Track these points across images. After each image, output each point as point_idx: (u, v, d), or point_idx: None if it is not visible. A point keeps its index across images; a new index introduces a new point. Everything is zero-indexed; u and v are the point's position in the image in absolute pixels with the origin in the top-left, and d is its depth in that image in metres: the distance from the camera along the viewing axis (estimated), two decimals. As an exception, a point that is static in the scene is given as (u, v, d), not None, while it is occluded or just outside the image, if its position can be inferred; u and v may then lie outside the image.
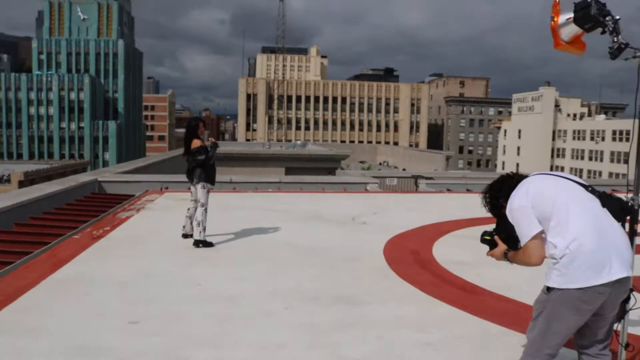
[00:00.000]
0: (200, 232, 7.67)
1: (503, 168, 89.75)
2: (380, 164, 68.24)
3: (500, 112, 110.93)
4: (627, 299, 3.54)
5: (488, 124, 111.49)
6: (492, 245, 3.32)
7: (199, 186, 7.82)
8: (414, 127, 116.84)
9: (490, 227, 3.42)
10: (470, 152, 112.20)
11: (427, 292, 5.82)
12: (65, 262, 6.76)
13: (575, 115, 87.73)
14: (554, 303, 2.95)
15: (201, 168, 7.80)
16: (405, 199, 14.30)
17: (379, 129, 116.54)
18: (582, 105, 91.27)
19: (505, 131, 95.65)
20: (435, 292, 5.83)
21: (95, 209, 11.35)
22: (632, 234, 3.61)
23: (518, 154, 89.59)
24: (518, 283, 5.91)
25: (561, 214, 2.94)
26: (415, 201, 13.99)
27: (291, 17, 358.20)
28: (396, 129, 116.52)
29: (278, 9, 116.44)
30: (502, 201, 3.17)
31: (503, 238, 3.25)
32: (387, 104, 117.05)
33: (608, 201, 3.10)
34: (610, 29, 3.39)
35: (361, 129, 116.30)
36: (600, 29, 3.43)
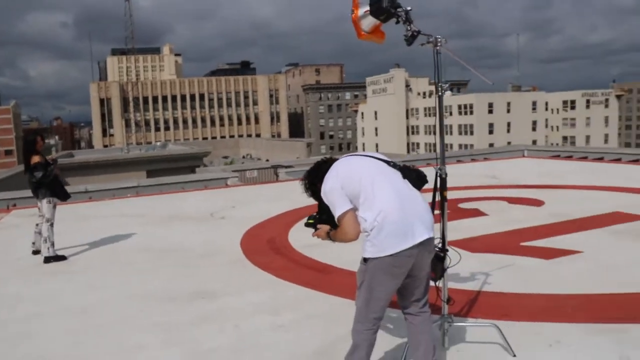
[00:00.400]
0: (48, 247, 7.40)
1: (364, 149, 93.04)
2: (243, 157, 68.29)
3: (356, 96, 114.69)
4: (443, 258, 3.99)
5: (346, 109, 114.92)
6: (315, 227, 3.54)
7: (44, 201, 7.51)
8: (274, 118, 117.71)
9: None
10: (331, 137, 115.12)
11: (281, 277, 6.08)
12: None
13: (425, 93, 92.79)
14: (371, 271, 3.23)
15: (44, 184, 7.50)
16: (265, 190, 14.55)
17: (240, 123, 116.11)
18: (430, 84, 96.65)
19: (362, 114, 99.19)
20: (289, 275, 6.11)
21: None
22: (442, 201, 4.07)
23: (376, 134, 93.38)
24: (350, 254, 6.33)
25: (367, 190, 3.21)
26: (274, 191, 14.28)
27: (139, 16, 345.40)
28: (257, 121, 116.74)
29: (124, 9, 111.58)
30: (319, 185, 3.40)
31: (324, 219, 3.47)
32: (246, 97, 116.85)
33: (407, 173, 3.42)
34: (403, 19, 3.78)
35: (222, 124, 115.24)
36: (394, 20, 3.81)
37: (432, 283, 3.96)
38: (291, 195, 13.01)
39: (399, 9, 3.85)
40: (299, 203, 10.83)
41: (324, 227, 3.46)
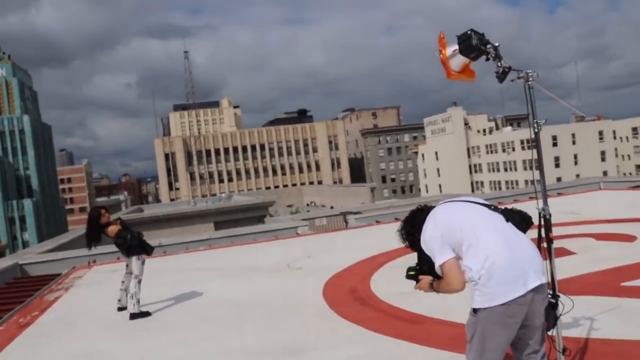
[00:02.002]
0: (134, 304, 7.47)
1: (427, 191, 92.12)
2: (308, 204, 68.66)
3: (415, 137, 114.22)
4: (556, 305, 3.74)
5: (406, 151, 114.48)
6: (417, 279, 3.40)
7: (134, 258, 7.67)
8: (335, 164, 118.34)
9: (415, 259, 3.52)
10: (393, 180, 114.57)
11: (373, 329, 5.88)
12: (-6, 359, 6.40)
13: (484, 130, 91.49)
14: (482, 323, 3.05)
15: (131, 244, 7.68)
16: (337, 237, 14.42)
17: (301, 171, 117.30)
18: (489, 120, 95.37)
19: (422, 155, 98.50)
20: (380, 327, 5.90)
21: (19, 295, 10.79)
22: (548, 242, 3.84)
23: (438, 175, 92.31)
24: (457, 305, 6.07)
25: (471, 237, 3.07)
26: (347, 238, 14.14)
27: (198, 72, 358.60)
28: (318, 168, 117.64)
29: (184, 66, 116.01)
30: (417, 235, 3.29)
31: (425, 270, 3.33)
32: (306, 145, 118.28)
33: (511, 215, 3.26)
34: (493, 55, 3.66)
35: (284, 173, 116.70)
36: (484, 57, 3.69)
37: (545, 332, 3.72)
38: (364, 242, 12.84)
39: (488, 46, 3.74)
40: (373, 250, 10.65)
41: (426, 279, 3.32)
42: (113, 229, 7.78)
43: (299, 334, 6.06)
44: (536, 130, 3.96)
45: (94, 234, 7.90)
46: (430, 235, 3.15)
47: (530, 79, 3.85)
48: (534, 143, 4.11)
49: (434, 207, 3.39)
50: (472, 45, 3.71)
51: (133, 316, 7.45)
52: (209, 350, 5.81)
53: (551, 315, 3.72)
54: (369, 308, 6.79)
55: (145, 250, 7.80)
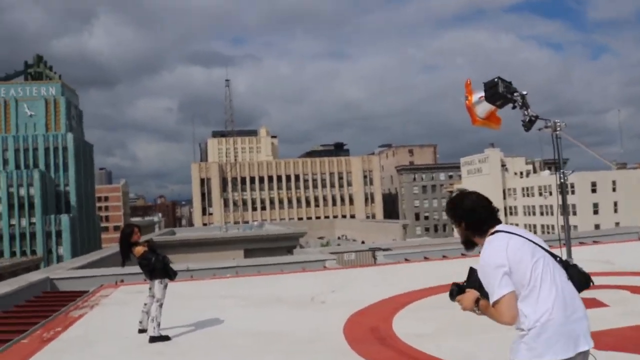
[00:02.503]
0: (154, 328, 7.51)
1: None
2: (339, 237, 68.43)
3: (450, 177, 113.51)
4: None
5: (440, 189, 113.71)
6: (461, 291, 3.17)
7: (157, 282, 7.74)
8: (368, 199, 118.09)
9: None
10: (426, 218, 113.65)
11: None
12: (14, 372, 6.49)
13: (521, 173, 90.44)
14: None
15: (155, 267, 7.76)
16: (364, 274, 14.30)
17: (334, 203, 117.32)
18: (527, 163, 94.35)
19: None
20: (397, 368, 5.80)
21: (46, 309, 10.95)
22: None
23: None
24: (476, 352, 5.95)
25: (536, 285, 2.91)
26: (374, 275, 14.01)
27: (238, 100, 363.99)
28: (351, 201, 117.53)
29: (225, 94, 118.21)
30: (463, 224, 3.20)
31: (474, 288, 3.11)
32: (341, 178, 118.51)
33: (573, 274, 3.13)
34: (520, 104, 3.64)
35: (317, 205, 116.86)
36: (510, 105, 3.68)
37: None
38: (391, 279, 12.71)
39: (515, 94, 3.74)
40: (399, 289, 10.53)
41: (472, 294, 3.06)
42: (139, 250, 7.87)
43: (315, 370, 5.99)
44: (562, 179, 3.91)
45: (124, 251, 8.00)
46: (497, 265, 2.93)
47: (558, 128, 3.83)
48: (560, 190, 4.05)
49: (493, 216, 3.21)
50: (499, 92, 3.70)
51: (152, 339, 7.48)
52: (224, 380, 5.78)
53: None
54: (389, 348, 6.68)
55: (169, 274, 7.86)
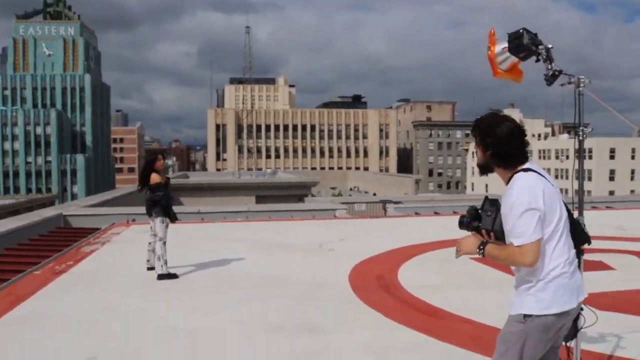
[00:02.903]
0: (162, 266, 7.62)
1: (472, 189, 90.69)
2: (350, 189, 68.57)
3: (467, 135, 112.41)
4: (577, 318, 3.62)
5: (456, 147, 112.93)
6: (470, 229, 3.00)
7: (158, 220, 7.80)
8: (383, 152, 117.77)
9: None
10: (440, 174, 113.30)
11: (392, 318, 5.84)
12: (24, 299, 6.63)
13: (540, 135, 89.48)
14: (531, 331, 2.78)
15: (159, 203, 7.79)
16: (373, 224, 14.36)
17: (348, 155, 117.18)
18: (546, 126, 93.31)
19: (473, 153, 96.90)
20: (400, 317, 5.85)
21: (59, 244, 11.17)
22: (578, 255, 3.71)
23: (488, 175, 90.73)
24: (482, 305, 5.98)
25: (554, 236, 2.79)
26: (383, 226, 14.07)
27: (257, 47, 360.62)
28: (366, 154, 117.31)
29: (244, 41, 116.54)
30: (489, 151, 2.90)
31: (482, 231, 2.95)
32: (356, 130, 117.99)
33: (576, 230, 3.04)
34: (544, 57, 3.51)
35: (331, 156, 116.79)
36: (534, 57, 3.56)
37: (563, 343, 3.62)
38: (400, 232, 12.76)
39: (540, 47, 3.61)
40: (407, 241, 10.57)
41: (476, 238, 2.87)
42: (155, 177, 7.91)
43: (318, 314, 6.07)
44: (581, 137, 3.82)
45: (144, 176, 8.03)
46: (533, 206, 2.70)
47: (582, 84, 3.72)
48: (578, 151, 3.95)
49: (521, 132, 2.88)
50: (523, 44, 3.57)
51: (161, 277, 7.61)
52: (228, 319, 5.88)
53: (571, 327, 3.61)
54: (392, 297, 6.74)
55: (169, 215, 7.90)
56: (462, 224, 3.01)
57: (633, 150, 72.42)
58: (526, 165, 2.86)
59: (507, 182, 2.87)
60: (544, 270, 2.76)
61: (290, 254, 9.79)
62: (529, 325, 2.76)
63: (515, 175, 2.82)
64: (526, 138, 2.89)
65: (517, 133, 2.85)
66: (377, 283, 7.47)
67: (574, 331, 3.62)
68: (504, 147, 2.84)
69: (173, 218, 8.02)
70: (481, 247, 2.81)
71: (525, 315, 2.76)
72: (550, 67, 3.58)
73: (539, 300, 2.76)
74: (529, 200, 2.70)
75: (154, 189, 7.84)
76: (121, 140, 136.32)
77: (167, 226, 7.85)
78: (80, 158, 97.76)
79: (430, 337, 5.23)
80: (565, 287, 2.80)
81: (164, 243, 7.71)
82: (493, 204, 2.93)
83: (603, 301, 6.33)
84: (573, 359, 3.68)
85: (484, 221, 2.93)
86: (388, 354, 4.80)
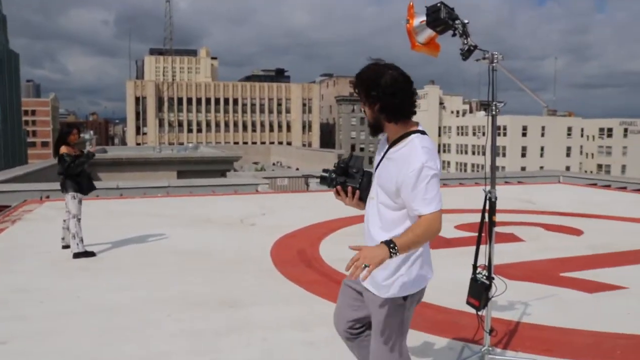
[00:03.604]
0: (77, 244, 7.34)
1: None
2: (274, 164, 68.42)
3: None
4: (489, 287, 3.79)
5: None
6: (330, 183, 2.86)
7: (69, 196, 7.47)
8: (306, 127, 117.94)
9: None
10: (362, 149, 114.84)
11: (313, 292, 5.91)
12: None
13: (458, 112, 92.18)
14: (407, 311, 2.74)
15: (70, 177, 7.43)
16: (295, 199, 14.42)
17: (271, 130, 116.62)
18: (464, 102, 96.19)
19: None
20: (320, 290, 5.93)
21: (-35, 223, 10.57)
22: (490, 225, 3.87)
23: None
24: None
25: None
26: (305, 200, 14.14)
27: (178, 17, 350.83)
28: (289, 129, 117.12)
29: (165, 10, 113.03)
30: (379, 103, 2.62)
31: (348, 188, 2.83)
32: (279, 105, 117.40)
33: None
34: (460, 32, 3.59)
35: (254, 130, 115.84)
36: (451, 32, 3.63)
37: (475, 312, 3.78)
38: (322, 206, 12.85)
39: (456, 21, 3.68)
40: (329, 215, 10.67)
41: (377, 246, 2.48)
42: (63, 149, 7.44)
43: (239, 288, 6.06)
44: (493, 112, 3.94)
45: (56, 150, 7.55)
46: (437, 171, 2.54)
47: (495, 60, 3.82)
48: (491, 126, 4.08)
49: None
50: (440, 18, 3.63)
51: (77, 255, 7.35)
52: (145, 297, 5.77)
53: (483, 296, 3.77)
54: (313, 271, 6.82)
55: (81, 188, 7.53)
56: (326, 180, 2.84)
57: (543, 128, 75.92)
58: (420, 127, 2.71)
59: (398, 140, 2.66)
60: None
61: (211, 229, 9.69)
62: (407, 305, 2.71)
63: (414, 136, 2.63)
64: (413, 86, 2.68)
65: (403, 80, 2.62)
66: (298, 257, 7.52)
67: (485, 301, 3.80)
68: (391, 99, 2.58)
69: (85, 190, 7.60)
70: (392, 246, 2.44)
71: (404, 297, 2.69)
72: (466, 42, 3.66)
73: (413, 279, 2.68)
74: (436, 165, 2.54)
75: (61, 160, 7.42)
76: (33, 112, 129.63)
77: (79, 202, 7.51)
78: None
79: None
80: (426, 260, 2.80)
81: (79, 220, 7.41)
82: (360, 162, 2.87)
83: (512, 271, 6.67)
84: (484, 326, 3.85)
85: (352, 179, 2.82)
86: (310, 328, 4.85)
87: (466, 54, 3.71)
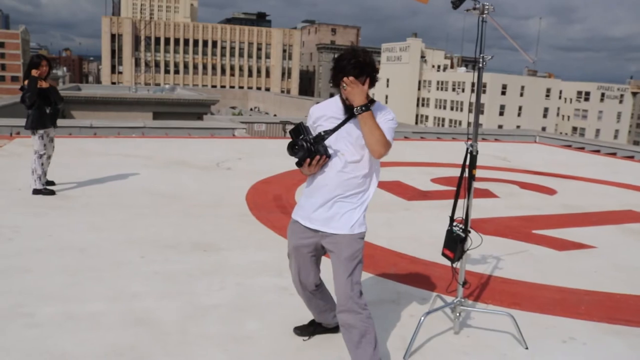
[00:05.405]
0: (35, 180, 7.17)
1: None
2: (251, 109, 67.79)
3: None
4: (465, 240, 3.81)
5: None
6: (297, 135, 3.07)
7: (30, 131, 7.25)
8: (285, 74, 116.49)
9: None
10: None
11: (286, 237, 5.88)
12: None
13: (439, 66, 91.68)
14: (361, 248, 3.14)
15: (31, 110, 7.08)
16: (272, 145, 14.30)
17: (250, 74, 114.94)
18: (446, 58, 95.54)
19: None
20: (295, 237, 5.91)
21: None
22: (470, 179, 3.86)
23: (386, 101, 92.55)
24: (373, 226, 6.14)
25: None
26: (282, 147, 13.98)
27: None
28: (268, 74, 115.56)
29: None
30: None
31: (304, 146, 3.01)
32: (259, 49, 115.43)
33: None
34: (452, -20, 3.49)
35: (232, 74, 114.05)
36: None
37: (449, 264, 3.80)
38: (299, 154, 12.79)
39: (448, -30, 3.57)
40: (307, 163, 10.61)
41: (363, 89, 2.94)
42: (29, 81, 7.00)
43: (213, 232, 6.03)
44: (480, 65, 3.87)
45: (23, 82, 7.09)
46: (394, 121, 3.09)
47: (486, 11, 3.73)
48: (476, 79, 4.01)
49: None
50: (432, -36, 3.53)
51: (36, 192, 7.20)
52: (118, 237, 5.70)
53: (458, 248, 3.79)
54: (288, 217, 6.77)
55: (40, 124, 7.12)
56: (303, 150, 2.99)
57: (522, 87, 76.01)
58: None
59: (371, 102, 3.02)
60: (368, 194, 3.12)
61: (186, 171, 9.58)
62: (362, 242, 3.13)
63: (374, 101, 3.08)
64: None
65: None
66: (274, 203, 7.50)
67: (460, 253, 3.82)
68: (376, 72, 3.04)
69: (49, 123, 7.20)
70: (366, 104, 2.92)
71: (363, 234, 3.12)
72: (457, -9, 3.56)
73: (364, 220, 3.11)
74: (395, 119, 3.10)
75: (23, 89, 7.02)
76: (1, 44, 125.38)
77: (41, 137, 7.19)
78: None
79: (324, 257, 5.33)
80: None
81: (40, 156, 7.18)
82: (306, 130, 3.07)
83: (486, 226, 6.74)
84: (458, 278, 3.88)
85: (321, 147, 3.01)
86: (283, 273, 4.85)
87: (457, 2, 3.61)
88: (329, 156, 3.02)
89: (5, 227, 5.87)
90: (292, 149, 3.01)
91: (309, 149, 2.97)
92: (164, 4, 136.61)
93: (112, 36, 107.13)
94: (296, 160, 3.05)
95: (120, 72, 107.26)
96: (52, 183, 7.62)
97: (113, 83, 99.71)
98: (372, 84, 3.03)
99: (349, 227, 3.04)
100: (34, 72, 7.06)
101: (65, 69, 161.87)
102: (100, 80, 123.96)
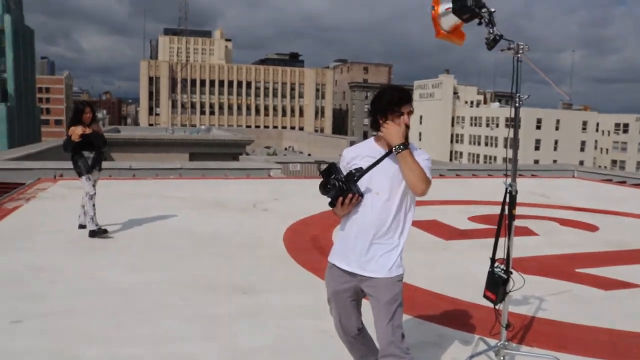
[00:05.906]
0: (88, 222, 7.37)
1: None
2: (285, 149, 68.44)
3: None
4: (507, 281, 3.75)
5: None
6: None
7: (83, 177, 7.47)
8: (319, 112, 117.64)
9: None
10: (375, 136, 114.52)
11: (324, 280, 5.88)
12: (-57, 257, 6.30)
13: (472, 102, 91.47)
14: (402, 288, 3.09)
15: (77, 156, 7.38)
16: (308, 185, 14.37)
17: (284, 114, 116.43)
18: (479, 93, 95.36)
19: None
20: (333, 278, 5.90)
21: (-20, 199, 10.63)
22: (510, 218, 3.83)
23: (420, 139, 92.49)
24: (412, 267, 6.09)
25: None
26: (317, 187, 14.10)
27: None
28: (301, 114, 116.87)
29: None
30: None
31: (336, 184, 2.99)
32: (293, 89, 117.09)
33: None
34: (486, 20, 3.52)
35: (267, 114, 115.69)
36: (477, 20, 3.56)
37: (491, 305, 3.75)
38: (334, 193, 12.82)
39: (483, 10, 3.61)
40: (342, 202, 10.62)
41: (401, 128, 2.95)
42: (72, 129, 7.28)
43: (252, 274, 6.05)
44: (517, 104, 3.88)
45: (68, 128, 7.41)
46: (429, 160, 3.08)
47: (521, 51, 3.75)
48: (513, 118, 4.02)
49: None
50: (467, 6, 3.57)
51: (92, 234, 7.38)
52: (158, 279, 5.77)
53: (500, 290, 3.74)
54: (325, 257, 6.76)
55: (87, 168, 7.38)
56: (335, 189, 2.97)
57: (557, 121, 75.17)
58: None
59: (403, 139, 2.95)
60: (404, 234, 3.08)
61: (224, 213, 9.69)
62: (401, 284, 3.08)
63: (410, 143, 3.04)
64: None
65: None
66: (311, 244, 7.51)
67: (502, 295, 3.77)
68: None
69: (86, 170, 7.43)
70: (404, 143, 2.92)
71: (401, 275, 3.07)
72: (491, 32, 3.59)
73: (401, 262, 3.06)
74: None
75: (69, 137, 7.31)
76: (47, 90, 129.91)
77: (88, 179, 7.43)
78: (1, 107, 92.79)
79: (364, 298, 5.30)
80: None
81: (91, 197, 7.38)
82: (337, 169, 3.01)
83: (527, 265, 6.62)
84: (501, 320, 3.82)
85: (353, 186, 2.96)
86: (323, 315, 4.82)
87: (491, 43, 3.64)
88: (361, 195, 2.98)
89: (49, 269, 6.01)
90: (324, 188, 3.00)
91: (341, 188, 2.95)
92: (200, 47, 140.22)
93: (150, 79, 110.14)
94: (329, 200, 3.03)
95: (157, 114, 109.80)
96: (83, 226, 7.78)
97: (150, 125, 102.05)
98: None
99: (387, 269, 3.01)
100: (71, 131, 7.32)
101: (105, 111, 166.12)
102: (138, 122, 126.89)
